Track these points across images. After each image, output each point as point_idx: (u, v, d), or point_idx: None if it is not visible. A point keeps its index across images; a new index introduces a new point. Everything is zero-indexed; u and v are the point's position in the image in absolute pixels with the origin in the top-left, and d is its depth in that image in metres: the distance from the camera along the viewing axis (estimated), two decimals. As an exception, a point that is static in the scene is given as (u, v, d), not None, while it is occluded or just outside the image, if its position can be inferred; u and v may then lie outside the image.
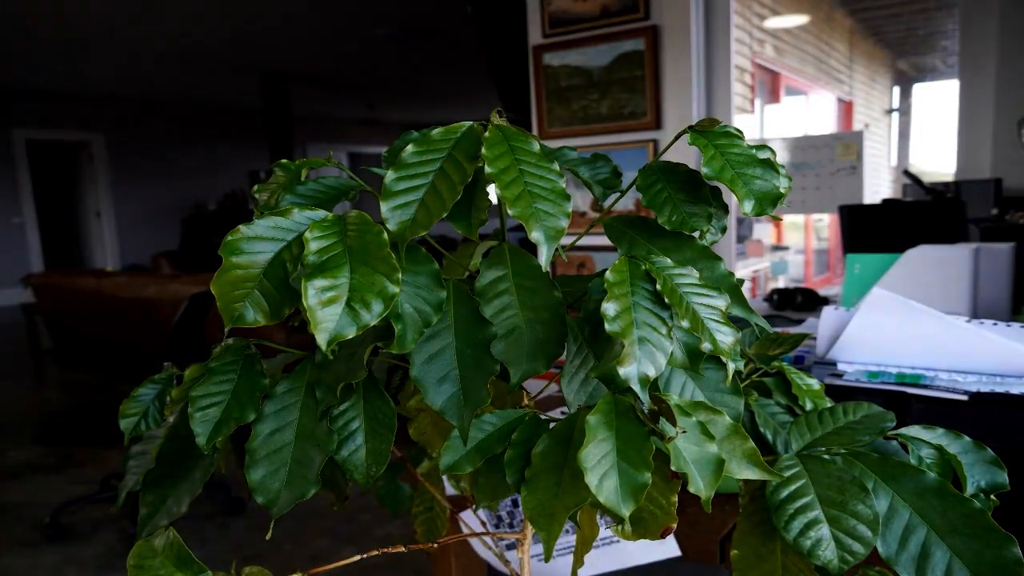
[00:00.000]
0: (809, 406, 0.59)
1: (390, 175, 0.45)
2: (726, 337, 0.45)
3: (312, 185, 0.55)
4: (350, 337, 0.40)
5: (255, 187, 0.57)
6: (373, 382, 0.51)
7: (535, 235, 0.43)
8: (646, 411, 0.42)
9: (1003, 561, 0.43)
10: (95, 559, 2.50)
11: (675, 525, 0.45)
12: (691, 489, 0.41)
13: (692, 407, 0.44)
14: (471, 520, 0.92)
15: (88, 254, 10.27)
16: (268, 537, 0.53)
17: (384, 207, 0.45)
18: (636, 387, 0.41)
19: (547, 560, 0.40)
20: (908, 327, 1.00)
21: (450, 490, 0.90)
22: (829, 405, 0.58)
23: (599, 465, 0.40)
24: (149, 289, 2.89)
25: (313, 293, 0.40)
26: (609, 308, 0.42)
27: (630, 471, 0.40)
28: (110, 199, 10.03)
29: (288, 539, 2.58)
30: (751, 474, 0.44)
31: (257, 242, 0.44)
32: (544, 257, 0.43)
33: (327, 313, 0.40)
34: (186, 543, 0.46)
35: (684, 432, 0.41)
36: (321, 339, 0.40)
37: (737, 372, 0.48)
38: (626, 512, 0.39)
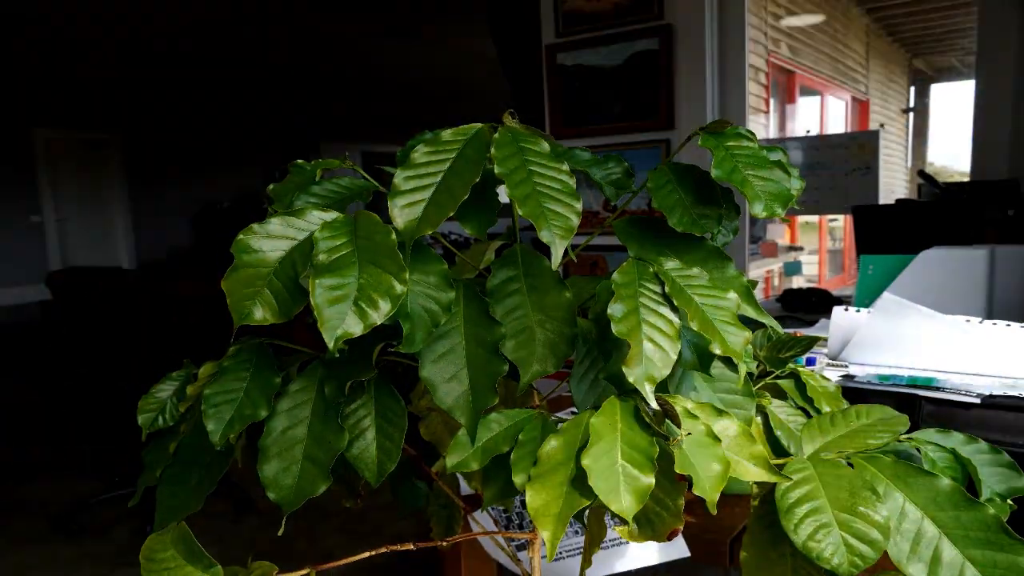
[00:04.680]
0: (825, 408, 0.59)
1: (399, 174, 0.46)
2: (736, 338, 0.44)
3: (326, 185, 0.56)
4: (357, 335, 0.40)
5: (269, 186, 0.57)
6: (384, 381, 0.52)
7: (545, 235, 0.43)
8: (652, 413, 0.42)
9: (1017, 568, 0.43)
10: (110, 555, 2.53)
11: (682, 527, 0.45)
12: (696, 491, 0.41)
13: (699, 409, 0.44)
14: (485, 519, 0.92)
15: (105, 252, 10.38)
16: (280, 533, 0.53)
17: (392, 206, 0.45)
18: (642, 388, 0.41)
19: (549, 559, 0.41)
20: (919, 332, 0.99)
21: (466, 489, 0.91)
22: (845, 407, 0.58)
23: (603, 466, 0.40)
24: (166, 287, 2.91)
25: (321, 292, 0.41)
26: (616, 309, 0.43)
27: (634, 473, 0.40)
28: (127, 197, 10.13)
29: (301, 537, 2.59)
30: (758, 477, 0.44)
31: (268, 241, 0.45)
32: (555, 257, 0.44)
33: (334, 311, 0.40)
34: (199, 540, 0.46)
35: (689, 435, 0.41)
36: (328, 337, 0.40)
37: (750, 374, 0.47)
38: (629, 513, 0.39)
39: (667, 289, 0.44)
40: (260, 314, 0.44)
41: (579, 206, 0.45)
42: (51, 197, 9.49)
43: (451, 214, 0.45)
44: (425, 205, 0.45)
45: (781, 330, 0.58)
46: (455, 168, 0.46)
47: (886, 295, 1.03)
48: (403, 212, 0.45)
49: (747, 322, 0.48)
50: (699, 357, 0.47)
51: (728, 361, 0.50)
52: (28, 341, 6.80)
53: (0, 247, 9.01)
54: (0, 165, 8.89)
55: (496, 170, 0.44)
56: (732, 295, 0.46)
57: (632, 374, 0.41)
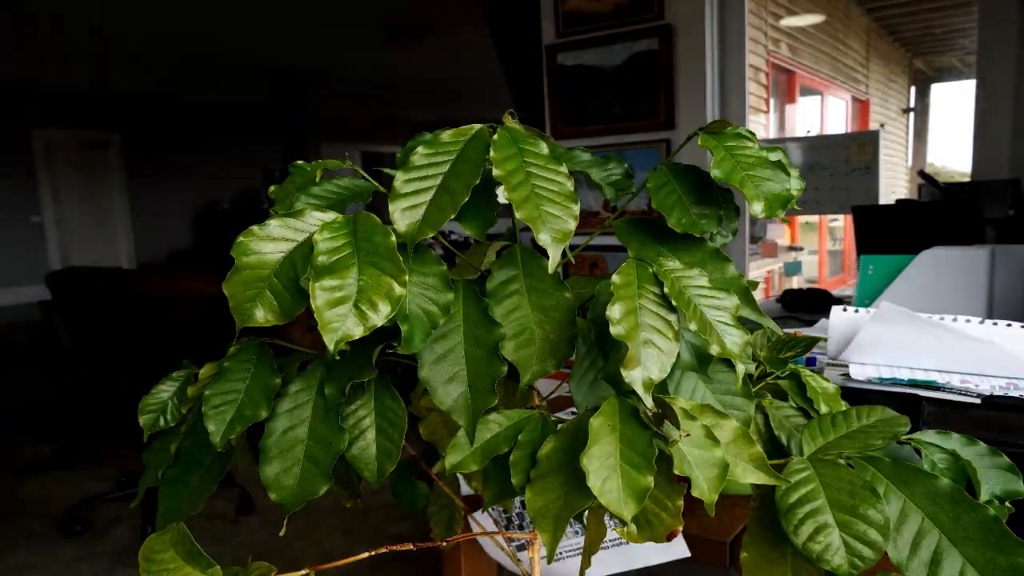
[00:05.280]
0: (824, 409, 0.59)
1: (399, 177, 0.46)
2: (735, 339, 0.44)
3: (326, 186, 0.56)
4: (357, 337, 0.40)
5: (271, 187, 0.57)
6: (384, 381, 0.52)
7: (542, 237, 0.43)
8: (650, 414, 0.42)
9: (1017, 569, 0.43)
10: (109, 555, 2.53)
11: (681, 527, 0.45)
12: (695, 493, 0.41)
13: (698, 410, 0.44)
14: (485, 520, 0.92)
15: (105, 252, 10.38)
16: (282, 534, 0.53)
17: (393, 208, 0.45)
18: (639, 390, 0.41)
19: (549, 561, 0.41)
20: (919, 337, 0.99)
21: (466, 489, 0.91)
22: (844, 408, 0.58)
23: (601, 467, 0.40)
24: (167, 287, 2.91)
25: (321, 294, 0.41)
26: (614, 311, 0.42)
27: (632, 474, 0.40)
28: (127, 197, 10.13)
29: (301, 537, 2.59)
30: (757, 479, 0.44)
31: (268, 243, 0.45)
32: (553, 260, 0.44)
33: (335, 314, 0.41)
34: (199, 540, 0.46)
35: (687, 435, 0.41)
36: (328, 339, 0.40)
37: (749, 375, 0.47)
38: (628, 514, 0.39)
39: (666, 290, 0.44)
40: (262, 315, 0.44)
41: (577, 209, 0.45)
42: (51, 197, 9.48)
43: (452, 216, 0.45)
44: (426, 208, 0.45)
45: (780, 331, 0.58)
46: (455, 170, 0.46)
47: (885, 303, 1.03)
48: (404, 215, 0.45)
49: (746, 323, 0.48)
50: (698, 358, 0.47)
51: (727, 362, 0.50)
52: (28, 341, 6.80)
53: (0, 247, 9.01)
54: (0, 165, 8.89)
55: (495, 172, 0.44)
56: (732, 296, 0.46)
57: (630, 375, 0.41)
